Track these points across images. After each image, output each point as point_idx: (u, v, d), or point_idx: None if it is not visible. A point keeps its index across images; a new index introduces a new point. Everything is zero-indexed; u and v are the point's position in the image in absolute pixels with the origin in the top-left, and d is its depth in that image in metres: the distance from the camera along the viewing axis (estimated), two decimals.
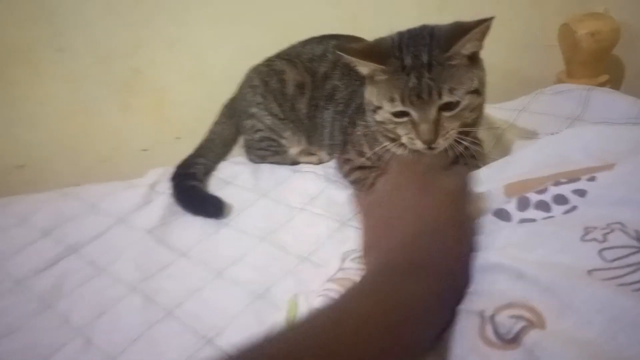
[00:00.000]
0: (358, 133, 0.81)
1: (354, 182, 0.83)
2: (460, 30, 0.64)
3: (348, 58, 0.69)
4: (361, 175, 0.82)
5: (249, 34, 1.07)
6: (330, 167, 0.90)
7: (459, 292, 0.41)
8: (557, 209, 0.43)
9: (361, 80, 0.75)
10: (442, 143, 0.66)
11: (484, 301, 0.39)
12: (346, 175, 0.85)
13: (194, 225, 0.81)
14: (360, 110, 0.77)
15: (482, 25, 0.63)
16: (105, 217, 0.85)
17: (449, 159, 0.70)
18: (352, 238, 0.72)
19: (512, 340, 0.34)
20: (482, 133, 0.84)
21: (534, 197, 0.45)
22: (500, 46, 1.10)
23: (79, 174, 1.03)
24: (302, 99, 0.91)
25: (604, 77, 1.03)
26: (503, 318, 0.36)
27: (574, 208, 0.42)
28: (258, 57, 0.97)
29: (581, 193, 0.43)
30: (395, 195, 0.49)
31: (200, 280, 0.71)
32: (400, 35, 0.68)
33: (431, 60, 0.64)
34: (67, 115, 1.09)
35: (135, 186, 0.92)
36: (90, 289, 0.72)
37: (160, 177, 0.93)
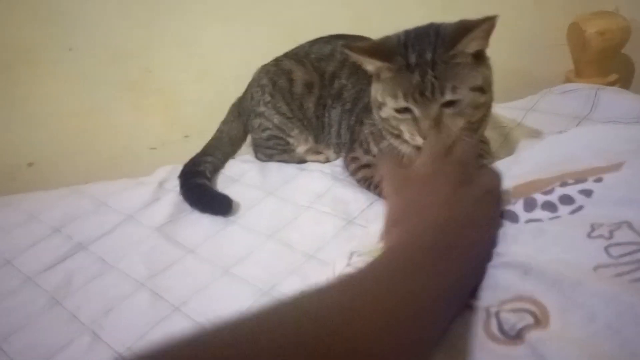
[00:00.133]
0: (365, 131, 0.81)
1: (361, 181, 0.83)
2: (464, 29, 0.64)
3: (354, 56, 0.70)
4: (368, 173, 0.82)
5: (258, 34, 1.08)
6: (337, 165, 0.90)
7: (474, 287, 0.41)
8: (563, 209, 0.42)
9: (368, 79, 0.75)
10: (442, 140, 0.65)
11: (490, 296, 0.39)
12: (353, 173, 0.85)
13: (202, 223, 0.82)
14: (368, 108, 0.78)
15: (485, 24, 0.63)
16: (113, 215, 0.86)
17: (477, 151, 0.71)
18: (358, 236, 0.73)
19: (515, 337, 0.35)
20: (489, 132, 0.84)
21: (540, 198, 0.44)
22: (508, 45, 1.09)
23: (88, 172, 1.04)
24: (310, 98, 0.92)
25: (613, 76, 1.02)
26: (507, 314, 0.36)
27: (580, 208, 0.41)
28: (267, 57, 0.98)
29: (587, 193, 0.43)
30: (430, 182, 0.49)
31: (207, 278, 0.71)
32: (407, 33, 0.69)
33: (435, 58, 0.65)
34: (77, 114, 1.10)
35: (143, 184, 0.93)
36: (98, 286, 0.72)
37: (169, 175, 0.93)
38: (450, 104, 0.65)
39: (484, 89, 0.67)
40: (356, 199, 0.81)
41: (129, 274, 0.73)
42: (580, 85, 0.97)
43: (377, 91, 0.71)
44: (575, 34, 1.00)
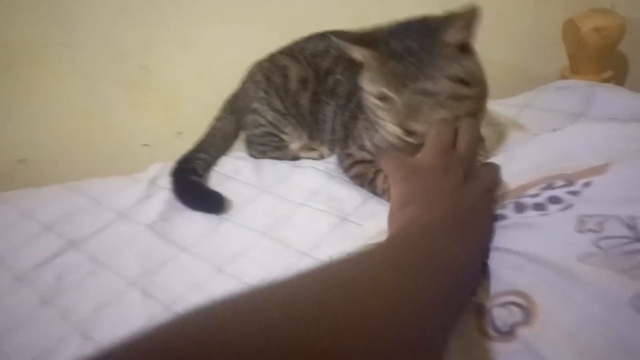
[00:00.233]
0: (359, 127, 0.81)
1: (355, 177, 0.83)
2: (446, 19, 0.64)
3: (342, 44, 0.70)
4: (362, 169, 0.82)
5: (257, 33, 1.07)
6: (331, 162, 0.90)
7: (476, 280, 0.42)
8: (552, 207, 0.43)
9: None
10: (418, 128, 0.66)
11: (482, 291, 0.40)
12: (347, 170, 0.85)
13: (195, 221, 0.81)
14: (361, 104, 0.77)
15: (467, 15, 0.62)
16: (106, 212, 0.85)
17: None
18: (352, 234, 0.73)
19: (508, 333, 0.35)
20: (484, 129, 0.84)
21: (529, 200, 0.45)
22: (504, 42, 1.10)
23: (85, 170, 1.03)
24: (304, 94, 0.91)
25: (608, 73, 1.02)
26: (499, 309, 0.36)
27: (569, 206, 0.42)
28: (263, 54, 0.97)
29: (575, 194, 0.43)
30: (438, 174, 0.49)
31: (200, 276, 0.71)
32: (396, 23, 0.69)
33: (418, 47, 0.65)
34: (76, 113, 1.09)
35: (136, 181, 0.92)
36: (90, 284, 0.72)
37: (161, 172, 0.93)
38: (430, 93, 0.65)
39: (468, 82, 0.66)
40: (350, 196, 0.80)
41: (121, 272, 0.73)
42: (576, 82, 0.97)
43: (363, 80, 0.71)
44: (571, 31, 1.00)
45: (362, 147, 0.81)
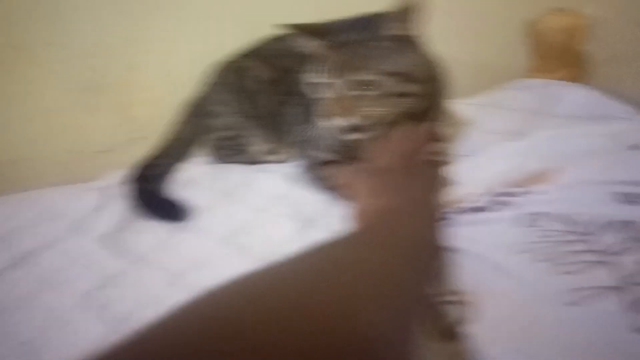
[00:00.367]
0: (321, 128, 0.79)
1: (317, 180, 0.81)
2: (387, 14, 0.64)
3: (293, 34, 0.70)
4: (326, 171, 0.80)
5: (215, 31, 1.04)
6: (295, 166, 0.87)
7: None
8: (493, 209, 0.45)
9: None
10: (353, 121, 0.66)
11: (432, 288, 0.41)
12: (311, 172, 0.83)
13: (152, 230, 0.78)
14: None
15: (405, 8, 0.62)
16: (58, 223, 0.80)
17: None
18: (316, 239, 0.71)
19: (458, 332, 0.36)
20: (446, 129, 0.83)
21: (471, 205, 0.48)
22: (468, 41, 1.09)
23: (33, 177, 0.99)
24: (267, 95, 0.89)
25: (572, 72, 1.03)
26: (448, 307, 0.38)
27: (507, 206, 0.45)
28: (224, 53, 0.95)
29: (514, 196, 0.46)
30: (390, 176, 0.54)
31: (158, 287, 0.67)
32: (347, 18, 0.69)
33: (358, 40, 0.65)
34: (21, 116, 1.03)
35: (90, 189, 0.88)
36: (39, 302, 0.67)
37: (116, 180, 0.88)
38: (364, 86, 0.64)
39: (408, 77, 0.65)
40: (314, 200, 0.78)
41: (72, 288, 0.69)
42: (539, 80, 0.98)
43: (310, 72, 0.70)
44: (535, 30, 1.01)
45: (325, 149, 0.79)
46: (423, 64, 0.68)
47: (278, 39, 0.90)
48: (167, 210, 0.80)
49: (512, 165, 0.54)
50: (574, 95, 0.90)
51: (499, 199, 0.47)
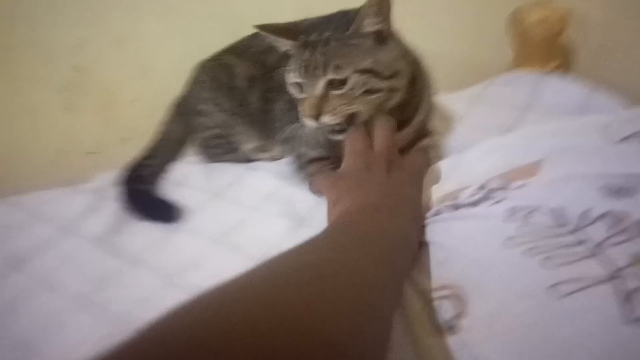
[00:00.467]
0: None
1: (309, 176, 0.81)
2: (359, 10, 0.64)
3: (266, 35, 0.71)
4: (316, 167, 0.80)
5: (199, 28, 1.03)
6: (284, 163, 0.88)
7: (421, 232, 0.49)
8: (485, 204, 0.47)
9: None
10: (328, 120, 0.66)
11: (424, 282, 0.43)
12: (301, 169, 0.83)
13: (144, 231, 0.78)
14: None
15: (375, 3, 0.62)
16: (50, 227, 0.80)
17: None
18: (308, 237, 0.71)
19: (450, 327, 0.37)
20: (437, 124, 0.84)
21: (464, 201, 0.49)
22: (450, 35, 1.10)
23: (23, 180, 0.98)
24: (253, 92, 0.89)
25: (555, 63, 1.04)
26: (438, 303, 0.39)
27: (500, 201, 0.45)
28: (209, 51, 0.94)
29: (507, 192, 0.47)
30: (357, 177, 0.57)
31: (152, 288, 0.68)
32: (321, 17, 0.70)
33: (330, 38, 0.65)
34: (5, 118, 1.02)
35: (81, 192, 0.87)
36: (35, 306, 0.67)
37: (108, 181, 0.88)
38: (336, 84, 0.65)
39: (378, 73, 0.66)
40: (305, 198, 0.79)
41: (67, 292, 0.69)
42: (523, 74, 0.99)
43: (286, 72, 0.71)
44: (516, 22, 1.02)
45: (313, 145, 0.80)
46: (396, 59, 0.68)
47: (254, 36, 0.90)
48: (160, 210, 0.80)
49: (502, 160, 0.55)
50: (560, 88, 0.91)
51: (490, 194, 0.48)
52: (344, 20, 0.66)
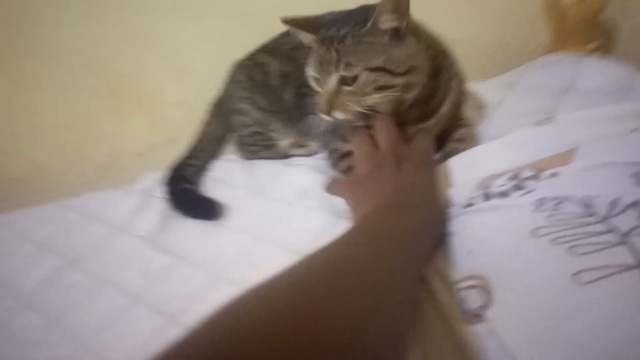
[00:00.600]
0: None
1: (345, 171, 0.83)
2: (376, 7, 0.63)
3: (290, 28, 0.72)
4: (350, 162, 0.81)
5: (233, 29, 1.06)
6: (321, 158, 0.90)
7: (441, 223, 0.52)
8: (515, 194, 0.46)
9: None
10: (339, 115, 0.68)
11: (452, 273, 0.44)
12: (335, 164, 0.85)
13: (192, 229, 0.82)
14: None
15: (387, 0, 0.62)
16: (104, 227, 0.85)
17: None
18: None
19: (476, 316, 0.37)
20: (471, 113, 0.84)
21: (496, 190, 0.48)
22: (489, 19, 1.08)
23: (76, 184, 1.04)
24: (287, 88, 0.91)
25: (595, 43, 1.01)
26: (464, 293, 0.39)
27: (530, 191, 0.45)
28: (243, 50, 0.97)
29: (539, 182, 0.47)
30: (371, 179, 0.60)
31: (200, 285, 0.71)
32: (343, 12, 0.70)
33: (348, 34, 0.65)
34: (58, 126, 1.08)
35: (131, 193, 0.92)
36: (95, 302, 0.72)
37: (155, 181, 0.93)
38: (349, 81, 0.66)
39: (391, 71, 0.66)
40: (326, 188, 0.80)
41: (122, 287, 0.73)
42: (562, 56, 0.96)
43: (307, 65, 0.72)
44: (552, 2, 0.99)
45: (345, 139, 0.81)
46: (413, 55, 0.67)
47: (286, 33, 0.91)
48: (203, 209, 0.83)
49: (534, 149, 0.55)
50: (599, 71, 0.89)
51: (521, 183, 0.48)
52: (363, 15, 0.66)
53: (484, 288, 0.39)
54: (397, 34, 0.65)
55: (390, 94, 0.67)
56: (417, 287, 0.44)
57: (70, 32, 1.01)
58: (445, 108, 0.74)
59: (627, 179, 0.40)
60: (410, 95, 0.69)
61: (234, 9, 1.06)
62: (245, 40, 0.96)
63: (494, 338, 0.35)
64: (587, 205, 0.39)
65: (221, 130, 1.00)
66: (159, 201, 0.88)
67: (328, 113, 0.68)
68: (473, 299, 0.39)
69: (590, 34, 1.00)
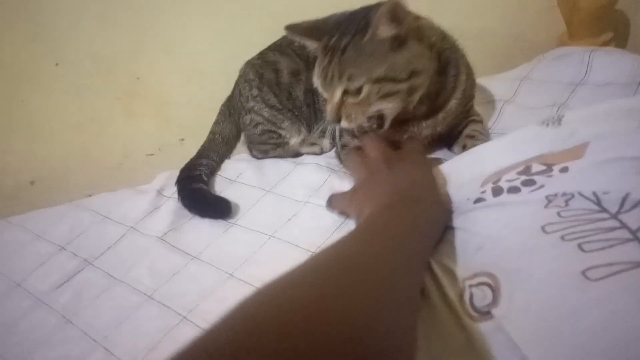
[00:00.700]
0: None
1: (350, 168, 0.82)
2: (375, 16, 0.62)
3: (294, 36, 0.72)
4: (359, 156, 0.81)
5: (243, 29, 1.06)
6: (331, 157, 0.90)
7: (443, 215, 0.52)
8: (525, 190, 0.46)
9: None
10: (347, 125, 0.69)
11: (460, 270, 0.44)
12: (344, 159, 0.85)
13: (203, 228, 0.82)
14: None
15: (383, 9, 0.61)
16: (116, 227, 0.86)
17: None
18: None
19: (485, 313, 0.37)
20: (482, 108, 0.83)
21: (506, 185, 0.48)
22: (500, 11, 1.07)
23: (89, 185, 1.05)
24: (298, 86, 0.91)
25: (608, 35, 0.99)
26: (474, 290, 0.39)
27: (541, 187, 0.45)
28: (254, 51, 0.97)
29: (550, 177, 0.46)
30: (369, 185, 0.62)
31: (212, 283, 0.71)
32: (346, 14, 0.69)
33: (347, 45, 0.65)
34: (73, 128, 1.10)
35: (143, 192, 0.93)
36: (106, 301, 0.73)
37: (167, 181, 0.94)
38: (354, 92, 0.65)
39: (394, 78, 0.65)
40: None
41: (135, 286, 0.74)
42: (574, 48, 0.95)
43: (313, 73, 0.72)
44: None
45: (354, 135, 0.80)
46: (416, 58, 0.66)
47: None
48: (215, 208, 0.84)
49: (546, 144, 0.54)
50: (608, 62, 0.87)
51: (532, 178, 0.47)
52: (364, 21, 0.65)
53: (493, 285, 0.38)
54: (397, 40, 0.64)
55: (395, 98, 0.67)
56: (422, 278, 0.44)
57: (84, 36, 1.03)
58: (453, 103, 0.74)
59: (637, 175, 0.40)
60: (416, 96, 0.69)
61: (242, 10, 1.06)
62: (254, 41, 0.97)
63: (502, 335, 0.35)
64: (597, 201, 0.38)
65: (232, 130, 1.01)
66: (171, 201, 0.89)
67: (337, 122, 0.69)
68: (482, 296, 0.39)
69: (603, 26, 0.98)
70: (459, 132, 0.80)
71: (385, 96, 0.66)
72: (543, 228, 0.39)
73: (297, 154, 0.95)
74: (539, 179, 0.46)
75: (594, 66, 0.87)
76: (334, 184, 0.83)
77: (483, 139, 0.76)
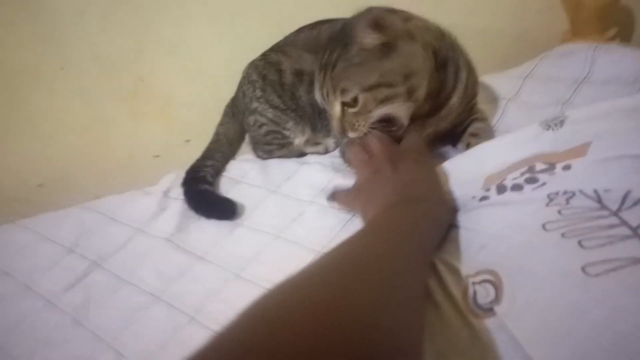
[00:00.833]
0: None
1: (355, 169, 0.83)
2: (359, 26, 0.63)
3: (298, 52, 0.77)
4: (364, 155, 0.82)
5: (246, 29, 1.07)
6: (336, 156, 0.90)
7: (447, 212, 0.53)
8: (528, 187, 0.46)
9: None
10: (353, 135, 0.70)
11: (464, 268, 0.44)
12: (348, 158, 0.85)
13: (209, 228, 0.83)
14: None
15: (360, 25, 0.62)
16: (124, 228, 0.87)
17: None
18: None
19: (488, 310, 0.38)
20: (486, 106, 0.83)
21: (509, 183, 0.48)
22: (502, 10, 1.07)
23: (96, 186, 1.06)
24: (301, 86, 0.92)
25: (612, 31, 0.99)
26: (478, 287, 0.40)
27: (543, 185, 0.45)
28: (257, 51, 0.98)
29: (552, 175, 0.46)
30: (371, 184, 0.63)
31: (219, 283, 0.72)
32: (339, 25, 0.69)
33: (338, 58, 0.65)
34: (78, 130, 1.11)
35: (149, 194, 0.94)
36: (116, 302, 0.74)
37: (173, 183, 0.94)
38: (352, 103, 0.66)
39: (389, 83, 0.65)
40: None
41: (143, 287, 0.75)
42: (577, 46, 0.94)
43: (314, 87, 0.73)
44: None
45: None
46: (409, 61, 0.66)
47: (306, 30, 0.92)
48: (221, 209, 0.84)
49: (548, 143, 0.54)
50: (617, 59, 0.87)
51: (535, 176, 0.48)
52: (348, 33, 0.65)
53: (496, 282, 0.39)
54: (387, 47, 0.64)
55: (395, 102, 0.67)
56: (426, 277, 0.45)
57: (88, 38, 1.04)
58: (455, 99, 0.74)
59: (638, 173, 0.40)
60: (418, 95, 0.69)
61: (246, 11, 1.07)
62: (257, 41, 0.97)
63: (505, 333, 0.35)
64: (598, 199, 0.39)
65: (237, 131, 1.01)
66: (177, 202, 0.89)
67: (344, 136, 0.70)
68: (485, 294, 0.39)
69: (607, 22, 0.98)
70: (463, 130, 0.80)
71: (384, 101, 0.66)
72: (544, 226, 0.39)
73: (301, 154, 0.96)
74: (542, 176, 0.47)
75: (598, 63, 0.87)
76: (338, 184, 0.83)
77: (487, 137, 0.76)
